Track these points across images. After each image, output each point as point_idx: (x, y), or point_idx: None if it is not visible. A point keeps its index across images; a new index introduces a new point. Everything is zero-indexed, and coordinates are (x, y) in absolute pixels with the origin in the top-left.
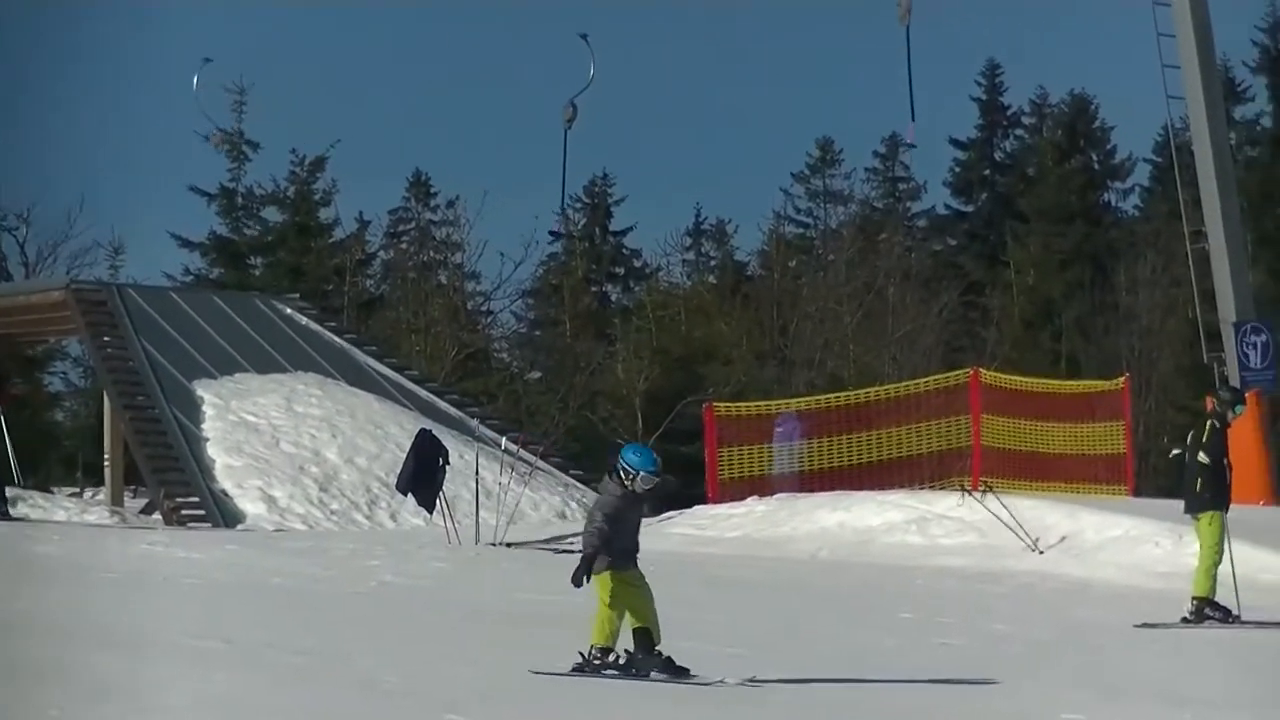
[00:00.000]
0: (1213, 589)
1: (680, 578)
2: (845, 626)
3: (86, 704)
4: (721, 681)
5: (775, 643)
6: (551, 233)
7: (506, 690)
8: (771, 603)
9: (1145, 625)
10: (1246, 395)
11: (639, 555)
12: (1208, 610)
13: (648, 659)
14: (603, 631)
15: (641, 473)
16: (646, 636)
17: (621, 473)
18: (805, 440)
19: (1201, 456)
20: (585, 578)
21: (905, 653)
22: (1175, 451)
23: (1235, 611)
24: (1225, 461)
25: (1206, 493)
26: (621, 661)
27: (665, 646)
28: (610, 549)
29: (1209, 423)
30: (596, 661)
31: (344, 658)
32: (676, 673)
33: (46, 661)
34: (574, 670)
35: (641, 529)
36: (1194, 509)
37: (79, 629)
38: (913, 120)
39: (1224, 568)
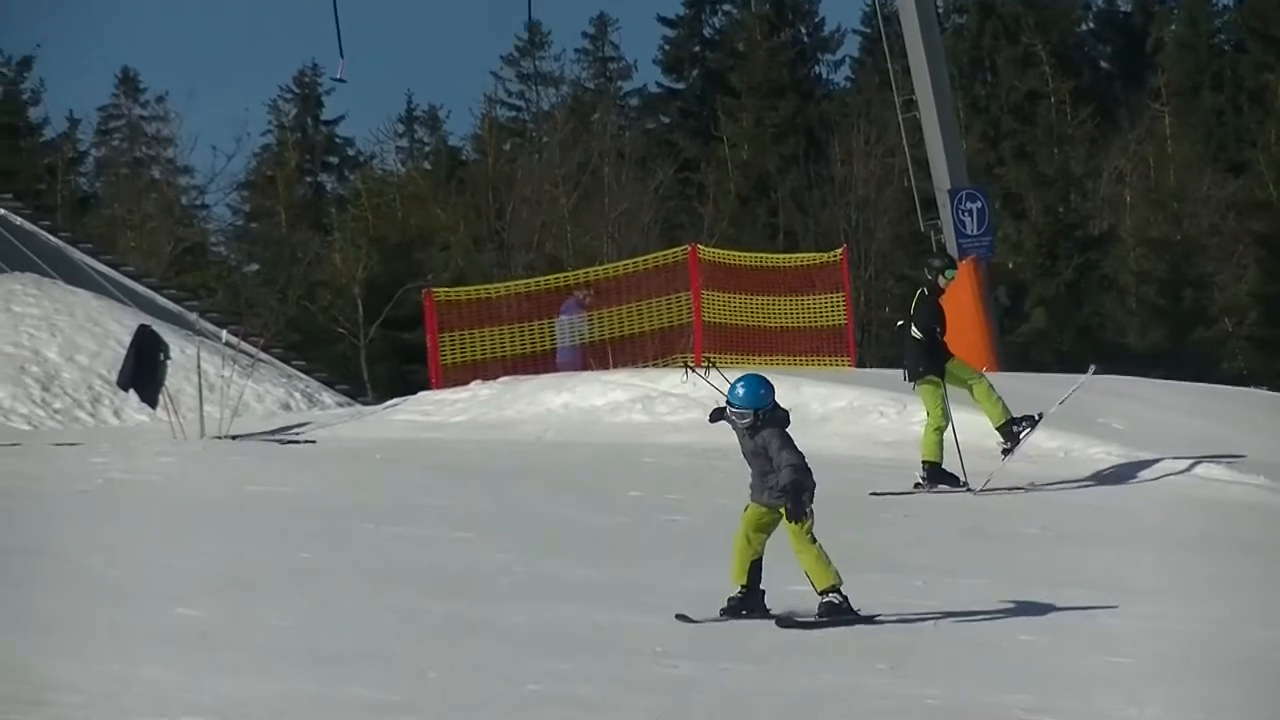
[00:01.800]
0: (940, 454)
1: (406, 464)
2: (575, 507)
3: None
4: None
5: (502, 526)
6: (335, 79)
7: (236, 582)
8: (498, 486)
9: (878, 494)
10: (960, 262)
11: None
12: (945, 470)
13: (745, 600)
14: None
15: (728, 406)
16: (758, 570)
17: None
18: (587, 314)
19: (912, 328)
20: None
21: (635, 530)
22: (900, 323)
23: (963, 479)
24: (936, 328)
25: (921, 362)
26: (733, 602)
27: (382, 531)
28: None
29: (919, 291)
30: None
31: (71, 556)
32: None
33: None
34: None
35: (385, 419)
36: (912, 378)
37: None
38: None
39: (949, 435)
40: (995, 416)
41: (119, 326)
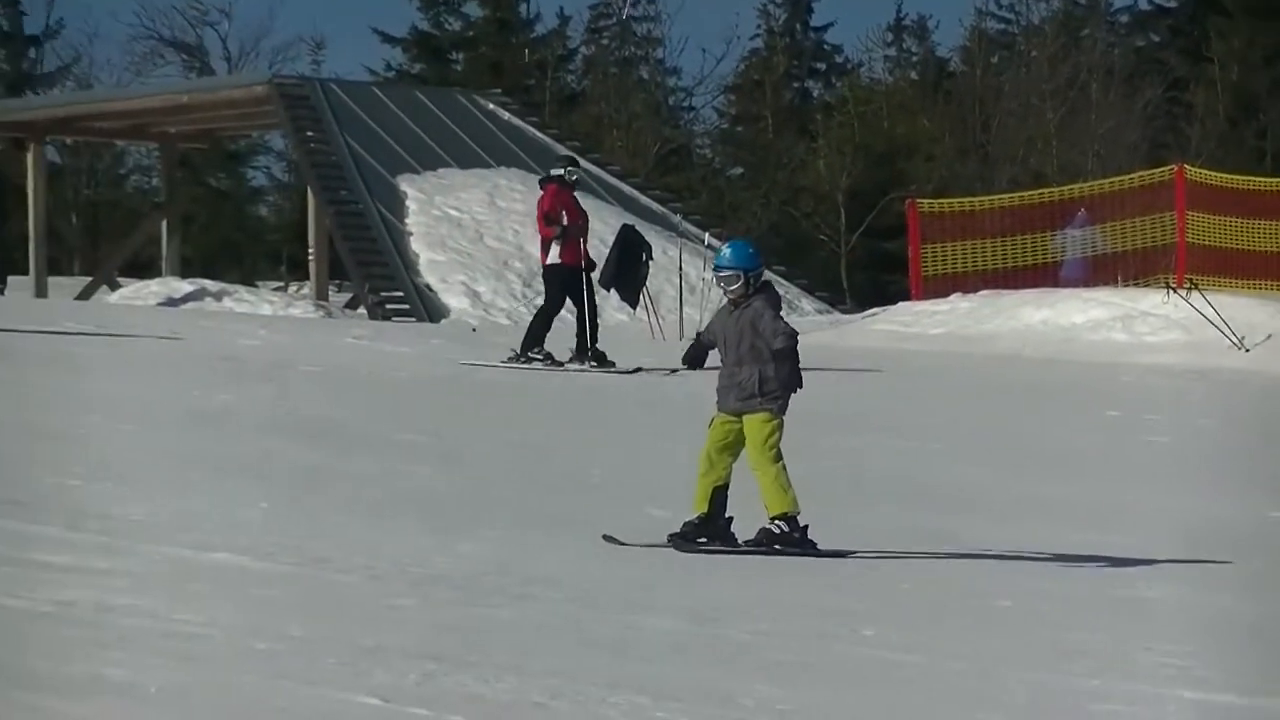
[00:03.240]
0: None
1: (883, 375)
2: (1051, 424)
3: (290, 499)
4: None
5: (976, 440)
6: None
7: None
8: (975, 400)
9: None
10: None
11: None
12: None
13: (702, 527)
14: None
15: (716, 273)
16: (721, 499)
17: None
18: (1093, 228)
19: None
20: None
21: (1111, 450)
22: None
23: None
24: None
25: None
26: (688, 528)
27: (858, 440)
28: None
29: None
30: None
31: (549, 452)
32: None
33: (252, 455)
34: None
35: (863, 328)
36: None
37: (285, 422)
38: None
39: None
40: None
41: (603, 225)
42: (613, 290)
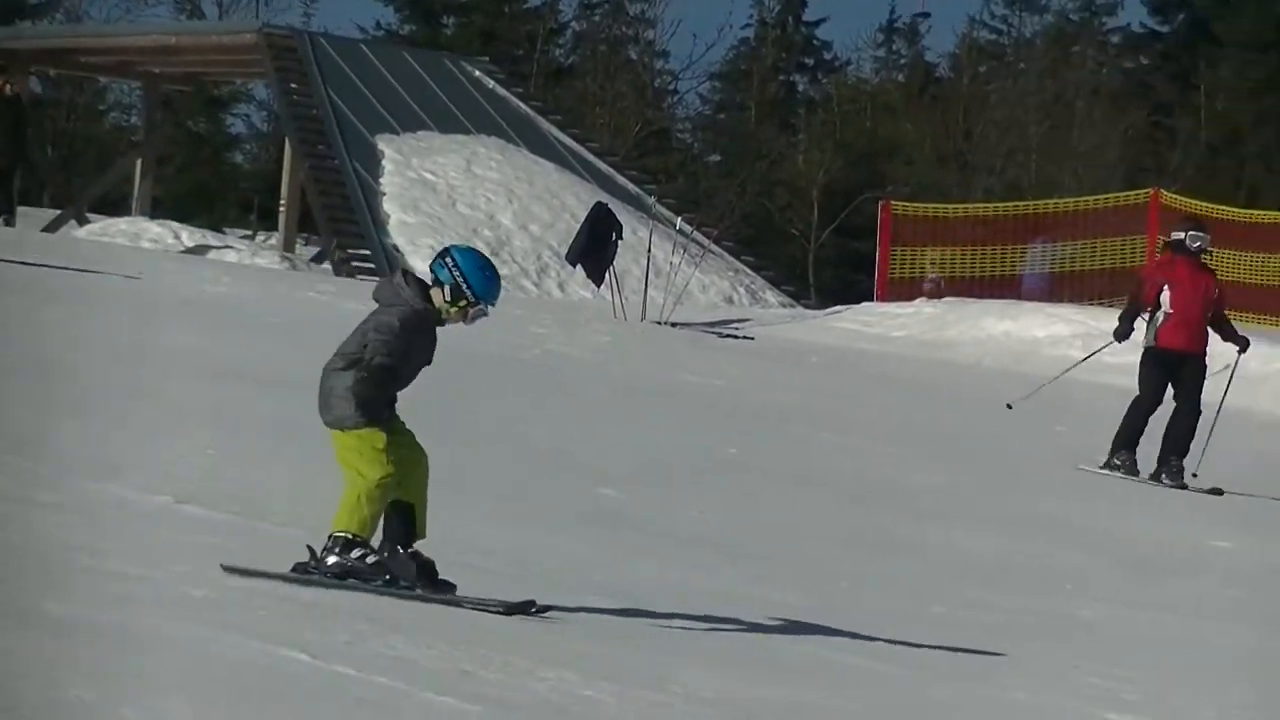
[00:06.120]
0: None
1: (841, 371)
2: (1004, 436)
3: (240, 447)
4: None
5: (929, 444)
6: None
7: (659, 469)
8: (930, 405)
9: None
10: None
11: None
12: None
13: (397, 557)
14: (358, 512)
15: (484, 304)
16: (410, 518)
17: (448, 288)
18: (1053, 245)
19: None
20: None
21: (1040, 466)
22: None
23: None
24: None
25: None
26: (370, 560)
27: (810, 436)
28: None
29: None
30: (344, 558)
31: (504, 423)
32: (435, 586)
33: (205, 400)
34: (296, 570)
35: (825, 325)
36: None
37: (241, 370)
38: None
39: None
40: None
41: (575, 201)
42: (579, 266)
